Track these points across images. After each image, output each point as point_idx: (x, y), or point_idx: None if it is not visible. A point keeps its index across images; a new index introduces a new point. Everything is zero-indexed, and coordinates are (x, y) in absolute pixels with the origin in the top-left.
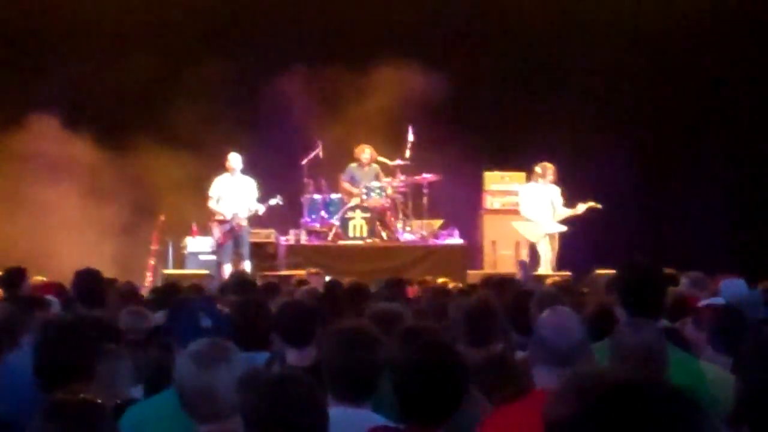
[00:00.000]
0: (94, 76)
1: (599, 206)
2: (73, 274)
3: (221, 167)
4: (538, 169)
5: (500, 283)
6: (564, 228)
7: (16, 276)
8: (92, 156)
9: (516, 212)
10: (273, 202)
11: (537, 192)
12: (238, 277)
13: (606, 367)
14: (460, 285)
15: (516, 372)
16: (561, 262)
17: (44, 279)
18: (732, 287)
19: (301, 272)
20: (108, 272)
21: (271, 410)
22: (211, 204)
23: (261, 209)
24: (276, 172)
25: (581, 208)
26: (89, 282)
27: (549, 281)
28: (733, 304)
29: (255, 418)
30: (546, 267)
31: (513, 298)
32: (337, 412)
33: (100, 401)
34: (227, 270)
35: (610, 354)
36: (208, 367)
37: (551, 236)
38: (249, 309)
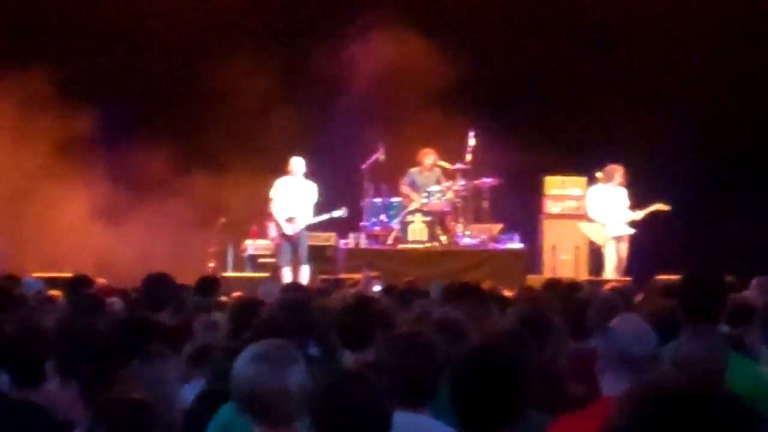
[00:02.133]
0: (162, 76)
1: (668, 208)
2: (133, 276)
3: (283, 170)
4: (606, 171)
5: (562, 288)
6: (632, 230)
7: (78, 282)
8: (153, 159)
9: (576, 216)
10: (337, 214)
11: (605, 194)
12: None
13: (667, 377)
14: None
15: (554, 381)
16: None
17: (107, 282)
18: None
19: (359, 276)
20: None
21: (337, 410)
22: (273, 207)
23: (323, 219)
24: (337, 176)
25: (650, 209)
26: (158, 286)
27: (607, 287)
28: None
29: (321, 418)
30: (611, 271)
31: (571, 304)
32: (396, 416)
33: (147, 401)
34: (286, 273)
35: (672, 360)
36: (267, 368)
37: (619, 239)
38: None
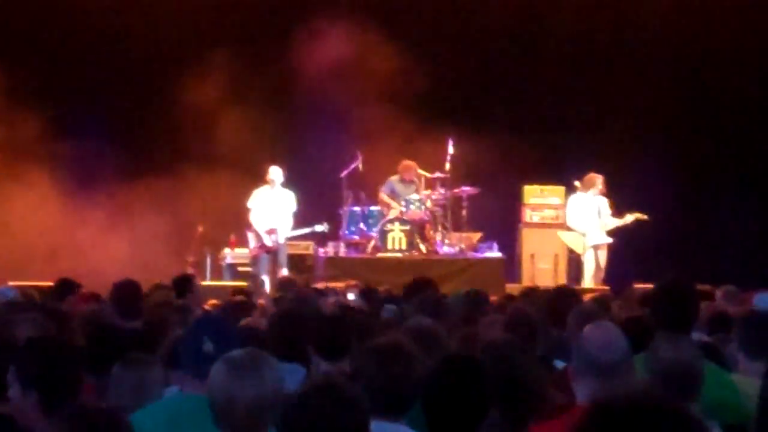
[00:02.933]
0: (138, 84)
1: (646, 217)
2: (110, 284)
3: (261, 179)
4: (585, 179)
5: (540, 295)
6: (610, 240)
7: (64, 289)
8: (131, 167)
9: (555, 225)
10: (319, 229)
11: (584, 203)
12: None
13: (633, 387)
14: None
15: (544, 387)
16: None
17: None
18: (765, 300)
19: (339, 284)
20: (145, 284)
21: (310, 420)
22: (252, 217)
23: (304, 232)
24: (316, 185)
25: (629, 218)
26: (128, 294)
27: (587, 296)
28: None
29: (294, 428)
30: (590, 280)
31: (551, 311)
32: (374, 427)
33: (116, 409)
34: (264, 282)
35: (645, 368)
36: (242, 376)
37: (598, 248)
38: (285, 321)
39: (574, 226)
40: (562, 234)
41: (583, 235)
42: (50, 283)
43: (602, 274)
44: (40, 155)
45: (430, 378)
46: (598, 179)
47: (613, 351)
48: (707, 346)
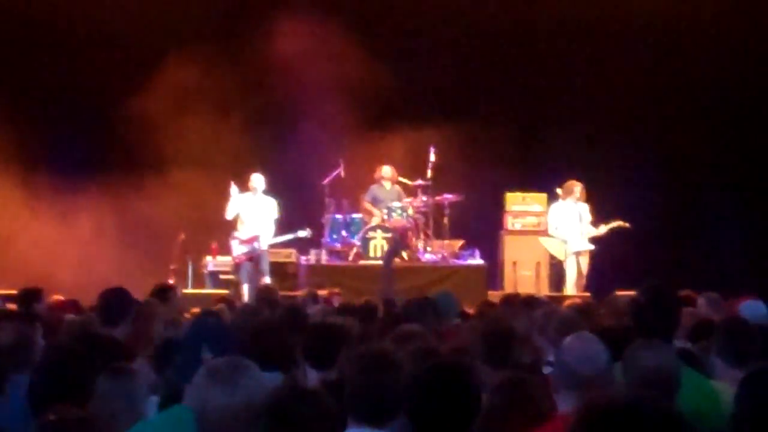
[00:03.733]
0: (112, 96)
1: (627, 225)
2: (88, 290)
3: (244, 187)
4: (565, 187)
5: (523, 302)
6: (592, 246)
7: (32, 296)
8: (112, 173)
9: (537, 232)
10: (302, 234)
11: (566, 210)
12: (265, 293)
13: (616, 393)
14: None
15: (536, 394)
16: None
17: (61, 297)
18: (751, 308)
19: (322, 292)
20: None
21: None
22: (228, 216)
23: (287, 239)
24: (298, 192)
25: (602, 229)
26: (114, 301)
27: (567, 303)
28: None
29: None
30: (572, 287)
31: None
32: None
33: (89, 418)
34: (246, 290)
35: (623, 375)
36: (224, 384)
37: (580, 255)
38: (266, 330)
39: (556, 233)
40: (544, 241)
41: (565, 242)
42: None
43: (584, 281)
44: (11, 160)
45: (415, 385)
46: (577, 186)
47: (593, 364)
48: (686, 353)
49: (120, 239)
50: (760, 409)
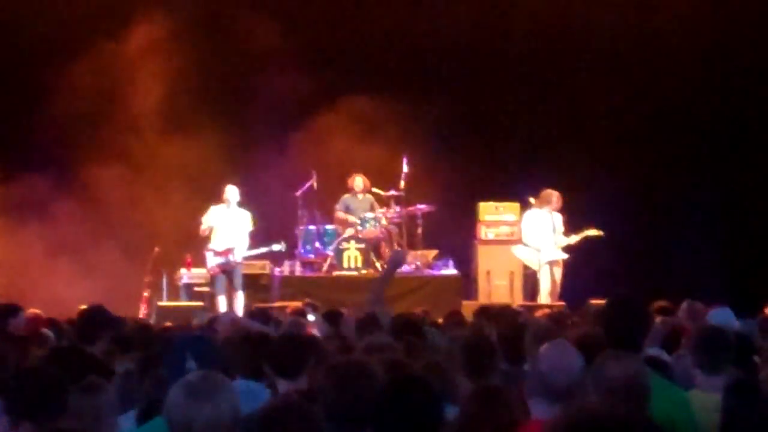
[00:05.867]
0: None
1: (601, 233)
2: (69, 307)
3: (218, 199)
4: (542, 196)
5: (495, 314)
6: (566, 255)
7: (6, 312)
8: (86, 186)
9: (510, 242)
10: (276, 248)
11: (539, 219)
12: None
13: (588, 403)
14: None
15: (510, 403)
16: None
17: (39, 312)
18: (719, 316)
19: (296, 303)
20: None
21: None
22: (203, 229)
23: (262, 252)
24: (271, 204)
25: (574, 238)
26: (93, 318)
27: (540, 312)
28: None
29: None
30: (546, 296)
31: (507, 330)
32: None
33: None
34: (221, 302)
35: (591, 385)
36: (198, 399)
37: (554, 264)
38: (245, 341)
39: (529, 242)
40: (517, 250)
41: (538, 251)
42: None
43: (558, 290)
44: None
45: (380, 397)
46: (554, 195)
47: (567, 374)
48: (657, 361)
49: (93, 253)
50: (747, 421)
